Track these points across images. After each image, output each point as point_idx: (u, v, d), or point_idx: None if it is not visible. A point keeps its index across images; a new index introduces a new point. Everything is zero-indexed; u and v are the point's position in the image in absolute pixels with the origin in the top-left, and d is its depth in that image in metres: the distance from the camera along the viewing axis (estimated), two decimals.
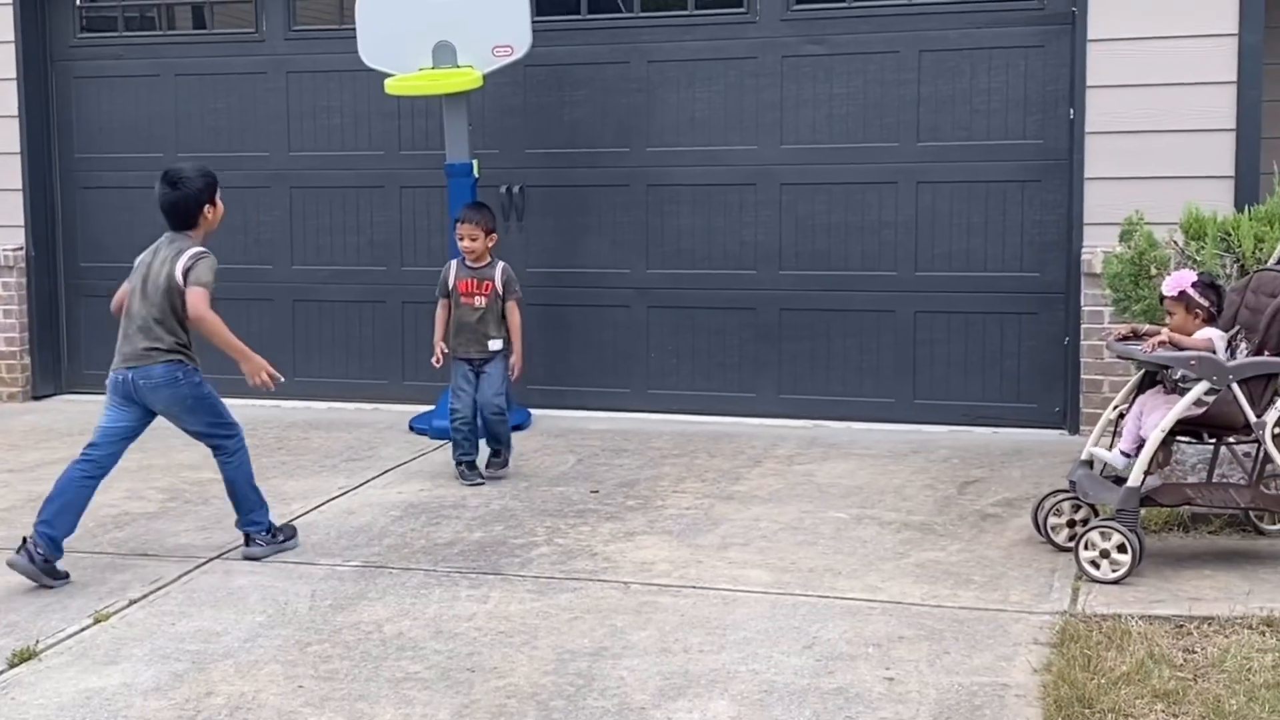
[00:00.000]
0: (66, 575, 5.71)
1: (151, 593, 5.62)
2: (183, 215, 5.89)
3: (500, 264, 7.33)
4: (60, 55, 9.71)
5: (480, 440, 7.34)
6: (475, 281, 7.28)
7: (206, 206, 5.93)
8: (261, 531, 6.06)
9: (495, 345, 7.25)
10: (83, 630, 5.22)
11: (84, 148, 9.73)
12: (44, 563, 5.63)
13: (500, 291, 7.27)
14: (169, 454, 7.84)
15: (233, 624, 5.25)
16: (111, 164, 9.67)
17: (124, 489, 7.15)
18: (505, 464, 7.40)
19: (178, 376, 5.81)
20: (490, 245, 7.34)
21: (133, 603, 5.50)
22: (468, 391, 7.25)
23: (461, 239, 7.33)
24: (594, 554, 6.00)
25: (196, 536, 6.35)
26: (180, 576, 5.80)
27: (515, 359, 7.29)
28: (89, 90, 9.70)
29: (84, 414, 9.08)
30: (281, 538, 6.13)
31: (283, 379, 6.04)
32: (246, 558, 6.01)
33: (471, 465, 7.27)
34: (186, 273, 5.75)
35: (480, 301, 7.26)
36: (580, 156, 8.83)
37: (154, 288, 5.79)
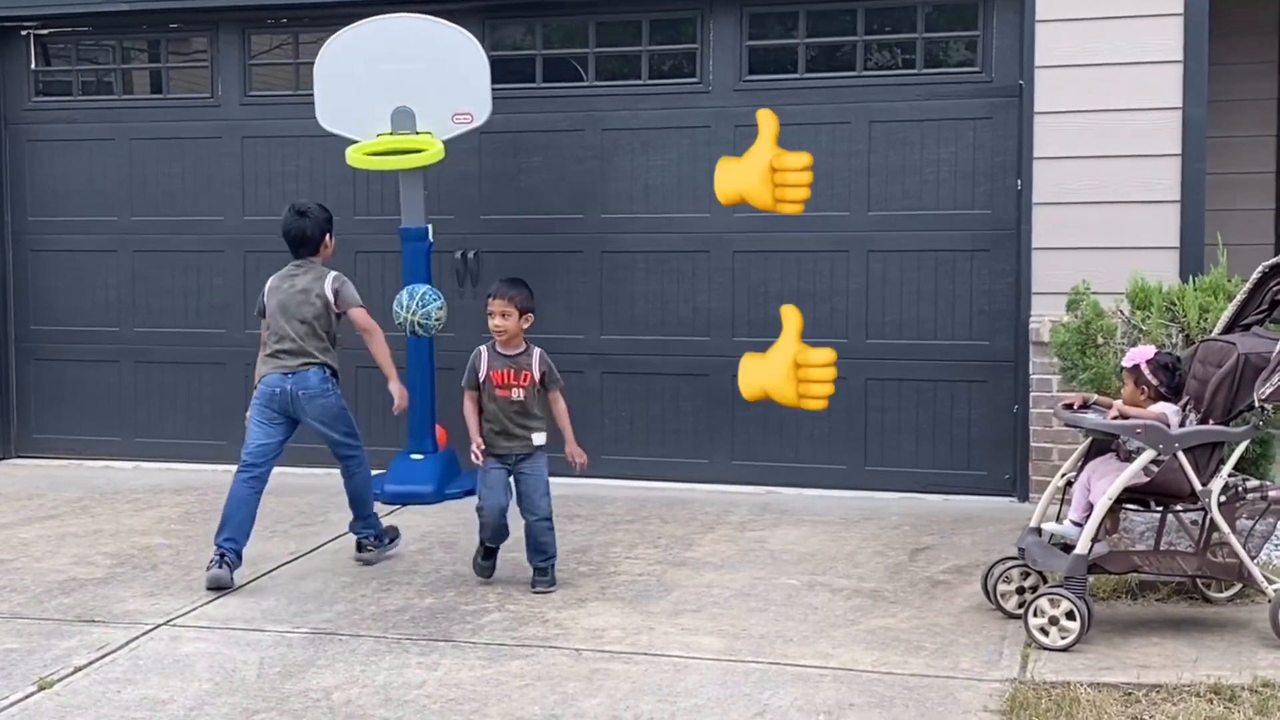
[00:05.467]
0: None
1: (97, 659, 5.55)
2: (308, 241, 6.80)
3: (537, 350, 6.50)
4: (14, 118, 9.70)
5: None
6: (512, 372, 6.41)
7: (327, 235, 6.87)
8: (372, 537, 6.88)
9: (539, 439, 6.43)
10: (27, 697, 5.15)
11: (36, 210, 9.69)
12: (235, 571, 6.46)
13: (539, 381, 6.46)
14: (118, 519, 7.78)
15: (179, 692, 5.20)
16: (64, 227, 9.64)
17: (71, 554, 7.08)
18: (554, 582, 6.49)
19: (328, 388, 6.69)
20: (526, 326, 6.50)
21: (78, 670, 5.44)
22: (498, 492, 6.43)
23: (492, 316, 6.45)
24: (545, 620, 5.98)
25: (144, 602, 6.29)
26: (127, 643, 5.74)
27: (572, 447, 6.51)
28: (43, 153, 9.68)
29: (34, 478, 9.01)
30: (387, 539, 6.94)
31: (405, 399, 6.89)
32: (360, 561, 6.82)
33: (490, 555, 6.60)
34: (337, 294, 6.69)
35: (518, 394, 6.40)
36: (535, 223, 8.87)
37: (301, 308, 6.66)
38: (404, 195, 8.29)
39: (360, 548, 6.91)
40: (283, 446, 6.71)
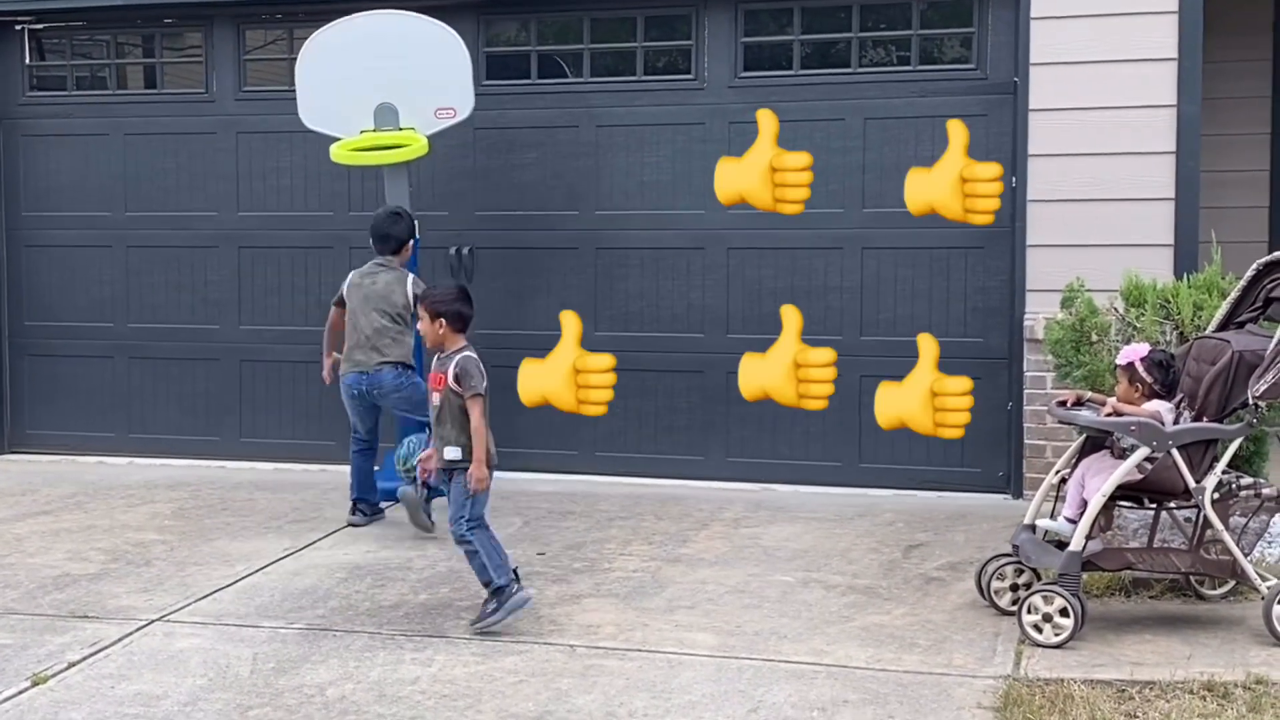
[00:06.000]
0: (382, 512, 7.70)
1: (91, 655, 5.55)
2: (394, 241, 7.54)
3: (462, 354, 5.96)
4: (9, 113, 9.68)
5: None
6: (436, 373, 6.06)
7: (411, 241, 7.63)
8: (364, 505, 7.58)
9: (451, 454, 5.92)
10: (20, 693, 5.15)
11: (31, 206, 9.67)
12: (373, 513, 7.63)
13: (454, 386, 5.93)
14: (112, 515, 7.78)
15: (173, 687, 5.20)
16: (58, 222, 9.62)
17: (65, 550, 7.07)
18: (488, 616, 5.78)
19: (402, 382, 7.35)
20: (441, 332, 6.01)
21: (72, 665, 5.44)
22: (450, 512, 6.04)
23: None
24: (540, 617, 5.98)
25: (138, 598, 6.28)
26: (121, 639, 5.74)
27: (473, 467, 5.88)
28: (37, 148, 9.65)
29: (28, 474, 9.00)
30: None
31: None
32: (350, 524, 7.51)
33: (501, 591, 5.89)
34: (417, 297, 7.16)
35: (436, 399, 6.01)
36: (530, 219, 8.86)
37: (382, 303, 7.35)
38: (389, 191, 8.25)
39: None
40: (378, 421, 7.58)
